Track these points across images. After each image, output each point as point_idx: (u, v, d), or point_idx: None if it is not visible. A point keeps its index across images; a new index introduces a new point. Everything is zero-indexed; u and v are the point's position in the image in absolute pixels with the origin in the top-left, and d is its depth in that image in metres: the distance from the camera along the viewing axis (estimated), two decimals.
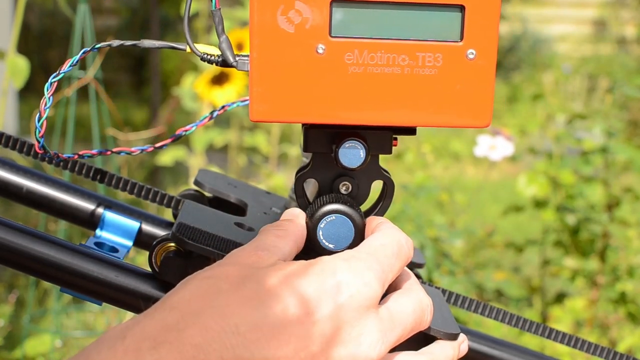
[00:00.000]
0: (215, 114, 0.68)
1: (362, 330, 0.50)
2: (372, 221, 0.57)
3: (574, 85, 6.64)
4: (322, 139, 0.57)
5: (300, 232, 0.56)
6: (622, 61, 8.25)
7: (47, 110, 0.61)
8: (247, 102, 0.64)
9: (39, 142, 0.63)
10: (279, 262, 0.51)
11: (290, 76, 0.53)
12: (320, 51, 0.53)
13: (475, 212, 3.98)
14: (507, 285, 2.46)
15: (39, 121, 0.61)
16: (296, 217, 0.57)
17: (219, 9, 0.59)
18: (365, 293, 0.50)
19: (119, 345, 0.46)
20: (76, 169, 0.71)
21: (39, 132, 0.61)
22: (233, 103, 0.69)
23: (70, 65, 0.60)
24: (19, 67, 1.78)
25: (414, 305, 0.53)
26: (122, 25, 8.14)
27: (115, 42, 0.61)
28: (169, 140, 0.68)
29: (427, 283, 0.72)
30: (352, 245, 0.55)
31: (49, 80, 0.60)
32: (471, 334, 0.75)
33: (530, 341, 2.19)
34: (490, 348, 0.74)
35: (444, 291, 0.74)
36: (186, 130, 0.68)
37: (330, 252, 0.55)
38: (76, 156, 0.67)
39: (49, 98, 0.60)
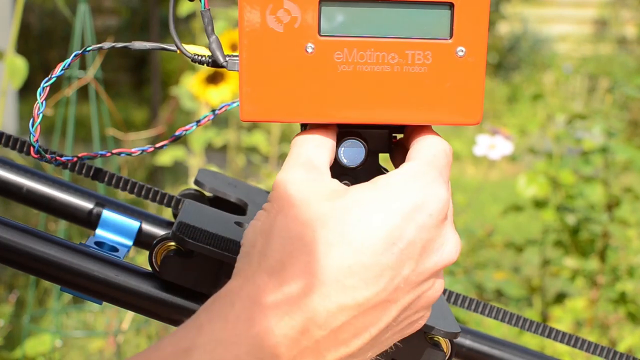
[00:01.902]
0: (216, 112, 0.68)
1: (443, 241, 0.52)
2: (415, 131, 0.56)
3: (574, 85, 6.64)
4: None
5: (334, 137, 0.56)
6: (623, 61, 8.25)
7: (41, 115, 0.60)
8: None
9: (34, 147, 0.63)
10: (347, 194, 0.51)
11: (279, 75, 0.53)
12: (309, 50, 0.53)
13: (475, 212, 3.98)
14: (507, 285, 2.46)
15: (32, 126, 0.61)
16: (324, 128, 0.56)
17: (208, 9, 0.59)
18: (441, 208, 0.52)
19: (229, 313, 0.48)
20: (76, 168, 0.71)
21: (34, 136, 0.61)
22: (233, 102, 0.69)
23: (62, 69, 0.60)
24: (17, 67, 1.78)
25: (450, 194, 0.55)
26: (122, 25, 8.14)
27: (107, 45, 0.61)
28: (169, 140, 0.68)
29: None
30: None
31: (41, 85, 0.60)
32: (471, 334, 0.75)
33: (530, 341, 2.19)
34: (490, 348, 0.75)
35: (444, 291, 0.74)
36: (186, 130, 0.68)
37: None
38: (75, 159, 0.67)
39: (42, 103, 0.60)
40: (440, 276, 0.54)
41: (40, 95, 0.60)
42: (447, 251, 0.52)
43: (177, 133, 0.68)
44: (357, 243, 0.49)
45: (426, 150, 0.54)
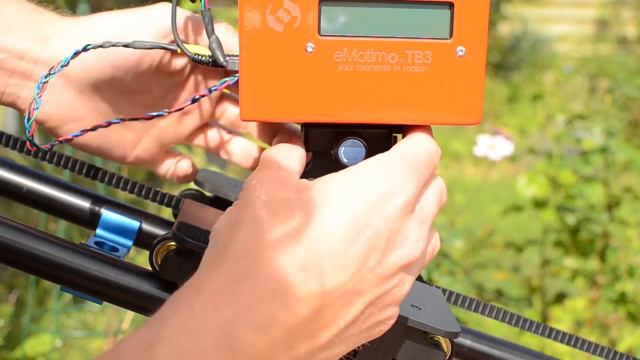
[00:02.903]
0: (213, 89, 0.67)
1: (405, 234, 0.52)
2: (411, 130, 0.57)
3: (575, 86, 6.64)
4: (322, 138, 0.57)
5: (303, 148, 0.56)
6: (623, 61, 8.25)
7: (36, 111, 0.60)
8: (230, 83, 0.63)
9: (30, 141, 0.63)
10: (316, 183, 0.52)
11: (279, 75, 0.54)
12: (309, 50, 0.53)
13: (475, 212, 3.98)
14: (507, 285, 2.46)
15: (28, 122, 0.61)
16: (293, 139, 0.57)
17: (209, 9, 0.59)
18: (407, 201, 0.52)
19: (194, 302, 0.46)
20: (76, 168, 0.71)
21: (29, 132, 0.61)
22: (217, 86, 0.68)
23: (61, 66, 0.60)
24: None
25: (435, 195, 0.55)
26: None
27: (107, 43, 0.61)
28: (184, 105, 0.67)
29: (427, 283, 0.72)
30: None
31: (40, 81, 0.60)
32: (471, 334, 0.75)
33: (530, 341, 2.19)
34: (490, 348, 0.75)
35: (444, 290, 0.74)
36: (203, 95, 0.67)
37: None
38: (72, 137, 0.65)
39: (39, 99, 0.60)
40: (409, 275, 0.53)
41: (37, 91, 0.60)
42: (409, 245, 0.52)
43: (193, 97, 0.67)
44: (324, 229, 0.49)
45: (407, 146, 0.54)
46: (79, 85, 0.64)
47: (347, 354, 0.56)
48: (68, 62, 0.60)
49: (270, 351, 0.46)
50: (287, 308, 0.47)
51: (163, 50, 0.64)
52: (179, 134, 0.71)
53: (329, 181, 0.52)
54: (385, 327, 0.54)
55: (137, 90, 0.67)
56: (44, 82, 0.60)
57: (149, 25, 0.64)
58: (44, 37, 0.63)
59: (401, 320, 0.59)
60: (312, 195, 0.51)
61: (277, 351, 0.47)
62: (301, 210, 0.50)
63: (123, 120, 0.66)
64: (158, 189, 0.73)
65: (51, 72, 0.60)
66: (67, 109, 0.65)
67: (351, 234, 0.50)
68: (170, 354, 0.44)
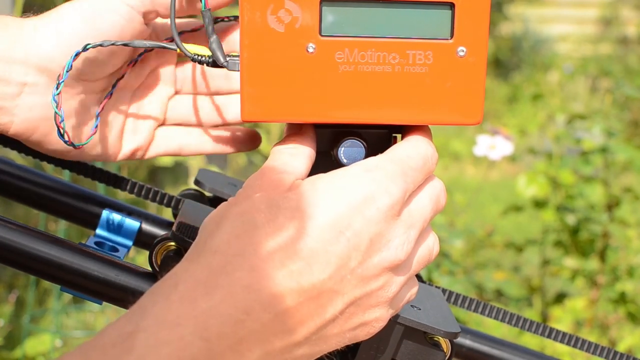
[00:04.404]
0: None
1: (389, 237, 0.52)
2: (409, 131, 0.57)
3: (577, 86, 6.64)
4: (323, 139, 0.57)
5: (312, 145, 0.56)
6: (624, 61, 8.24)
7: (63, 123, 0.60)
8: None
9: (74, 146, 0.63)
10: (302, 183, 0.52)
11: (280, 76, 0.53)
12: (310, 50, 0.53)
13: (475, 212, 3.98)
14: (507, 285, 2.46)
15: (62, 135, 0.61)
16: (303, 130, 0.57)
17: (209, 9, 0.59)
18: (391, 205, 0.51)
19: (172, 294, 0.48)
20: (76, 168, 0.71)
21: (67, 142, 0.62)
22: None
23: (66, 71, 0.60)
24: None
25: (430, 197, 0.55)
26: None
27: (107, 42, 0.61)
28: (139, 56, 0.66)
29: (427, 283, 0.72)
30: None
31: (53, 94, 0.59)
32: (471, 334, 0.75)
33: (530, 341, 2.19)
34: (490, 348, 0.75)
35: (444, 290, 0.74)
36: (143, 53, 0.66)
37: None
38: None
39: (61, 111, 0.60)
40: (395, 278, 0.53)
41: (56, 105, 0.60)
42: (394, 247, 0.52)
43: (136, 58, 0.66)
44: (305, 228, 0.49)
45: (402, 149, 0.54)
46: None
47: (330, 353, 0.56)
48: (71, 66, 0.60)
49: (245, 344, 0.47)
50: (262, 303, 0.48)
51: (140, 25, 0.63)
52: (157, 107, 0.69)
53: (315, 181, 0.52)
54: (372, 329, 0.54)
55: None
56: (58, 93, 0.60)
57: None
58: (12, 39, 0.61)
59: (401, 321, 0.59)
60: (297, 195, 0.51)
61: (252, 344, 0.47)
62: (284, 208, 0.50)
63: (100, 112, 0.65)
64: (158, 189, 0.73)
65: (59, 82, 0.60)
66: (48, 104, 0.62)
67: (332, 234, 0.50)
68: (148, 344, 0.45)
